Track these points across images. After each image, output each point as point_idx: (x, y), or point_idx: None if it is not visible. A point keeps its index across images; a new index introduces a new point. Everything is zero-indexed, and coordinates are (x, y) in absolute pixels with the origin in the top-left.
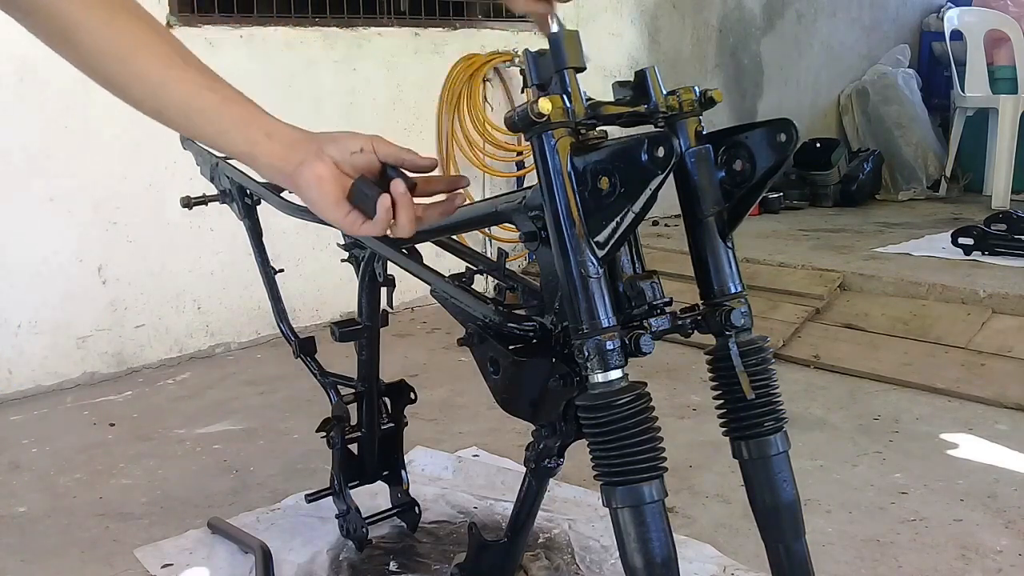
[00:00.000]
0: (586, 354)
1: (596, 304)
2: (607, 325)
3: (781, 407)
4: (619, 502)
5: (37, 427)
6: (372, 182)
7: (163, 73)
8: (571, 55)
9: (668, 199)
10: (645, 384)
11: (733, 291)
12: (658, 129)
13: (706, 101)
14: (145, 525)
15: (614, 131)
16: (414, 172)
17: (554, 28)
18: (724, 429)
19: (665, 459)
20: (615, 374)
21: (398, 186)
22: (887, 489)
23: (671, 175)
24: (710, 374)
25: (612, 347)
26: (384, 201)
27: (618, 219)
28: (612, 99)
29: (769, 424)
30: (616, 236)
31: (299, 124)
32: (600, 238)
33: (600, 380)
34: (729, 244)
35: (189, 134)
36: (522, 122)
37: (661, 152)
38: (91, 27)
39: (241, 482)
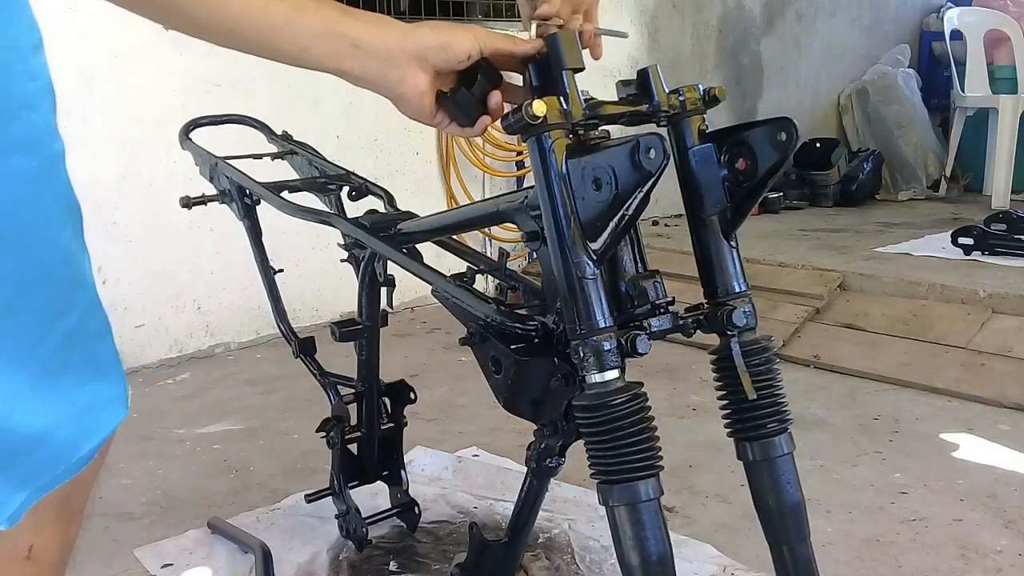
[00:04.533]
0: (582, 354)
1: (592, 305)
2: (603, 326)
3: (786, 408)
4: (615, 500)
5: None
6: (468, 92)
7: None
8: (569, 56)
9: (669, 198)
10: (641, 384)
11: (737, 291)
12: (652, 132)
13: (710, 99)
14: (145, 525)
15: (617, 131)
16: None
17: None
18: (728, 430)
19: (661, 458)
20: (611, 374)
21: (494, 98)
22: (887, 489)
23: (674, 174)
24: (714, 374)
25: (608, 347)
26: (484, 121)
27: (613, 220)
28: (615, 98)
29: (773, 425)
30: (611, 237)
31: (299, 123)
32: (596, 239)
33: (596, 380)
34: (733, 243)
35: (269, 56)
36: (518, 124)
37: (653, 154)
38: None
39: (241, 482)
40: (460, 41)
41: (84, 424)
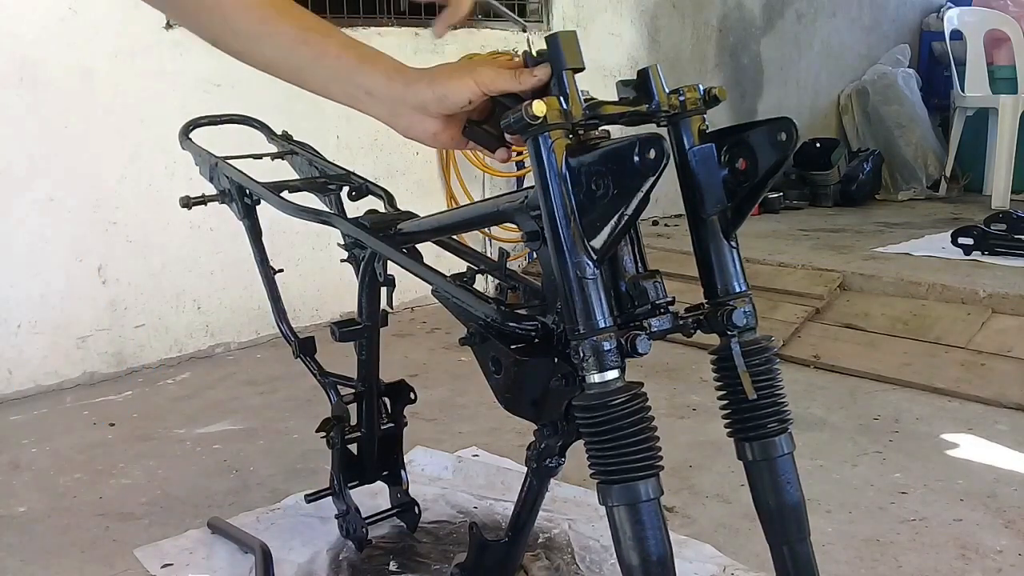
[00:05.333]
0: (582, 355)
1: (592, 305)
2: (603, 326)
3: (786, 407)
4: (615, 500)
5: (37, 427)
6: (482, 123)
7: (258, 28)
8: (569, 56)
9: (669, 198)
10: (641, 384)
11: (737, 291)
12: (652, 131)
13: (710, 99)
14: (145, 525)
15: (617, 131)
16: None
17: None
18: (728, 430)
19: (661, 457)
20: (611, 374)
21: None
22: (887, 489)
23: (674, 174)
24: (714, 374)
25: (608, 348)
26: (501, 152)
27: (612, 220)
28: (615, 98)
29: (774, 425)
30: (611, 237)
31: (299, 123)
32: (595, 239)
33: (596, 380)
34: (733, 243)
35: (299, 87)
36: (517, 124)
37: (652, 154)
38: None
39: (241, 482)
40: (457, 91)
41: None
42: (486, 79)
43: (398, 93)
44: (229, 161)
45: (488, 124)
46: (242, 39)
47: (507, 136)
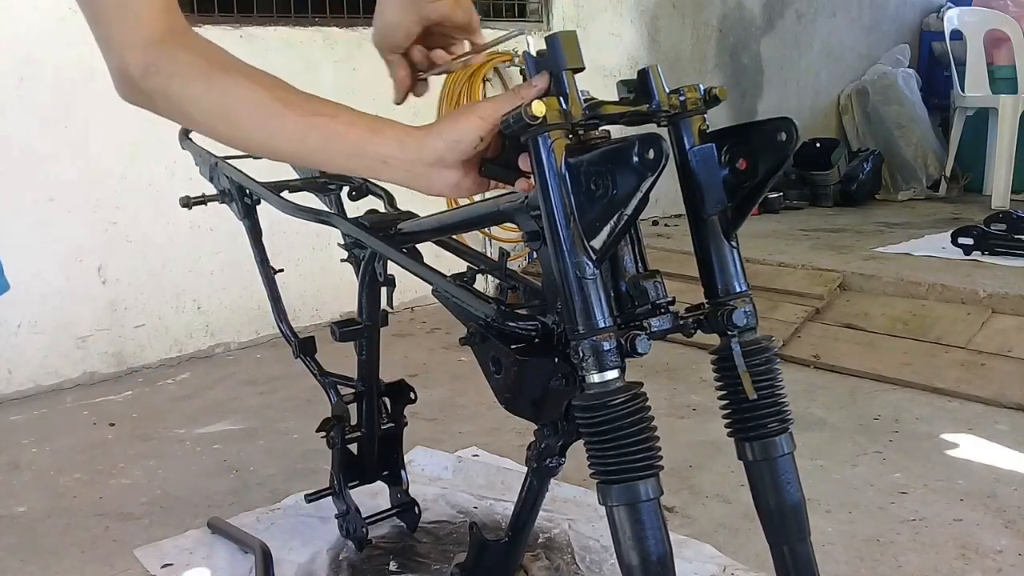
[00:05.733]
0: (582, 354)
1: (592, 305)
2: (603, 326)
3: (786, 408)
4: (614, 500)
5: (37, 427)
6: (493, 164)
7: (266, 125)
8: (569, 56)
9: (669, 198)
10: (641, 384)
11: (738, 290)
12: (652, 131)
13: (711, 99)
14: (145, 525)
15: (617, 131)
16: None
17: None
18: (729, 430)
19: (661, 458)
20: (611, 374)
21: (523, 161)
22: (887, 489)
23: (675, 174)
24: (715, 374)
25: (608, 347)
26: (521, 183)
27: (612, 220)
28: (615, 98)
29: (774, 425)
30: (611, 237)
31: None
32: (595, 239)
33: (596, 380)
34: (733, 243)
35: (321, 168)
36: (517, 124)
37: (652, 154)
38: (197, 99)
39: (241, 482)
40: (467, 134)
41: None
42: (489, 110)
43: (413, 155)
44: (229, 161)
45: (505, 158)
46: (253, 142)
47: (522, 166)
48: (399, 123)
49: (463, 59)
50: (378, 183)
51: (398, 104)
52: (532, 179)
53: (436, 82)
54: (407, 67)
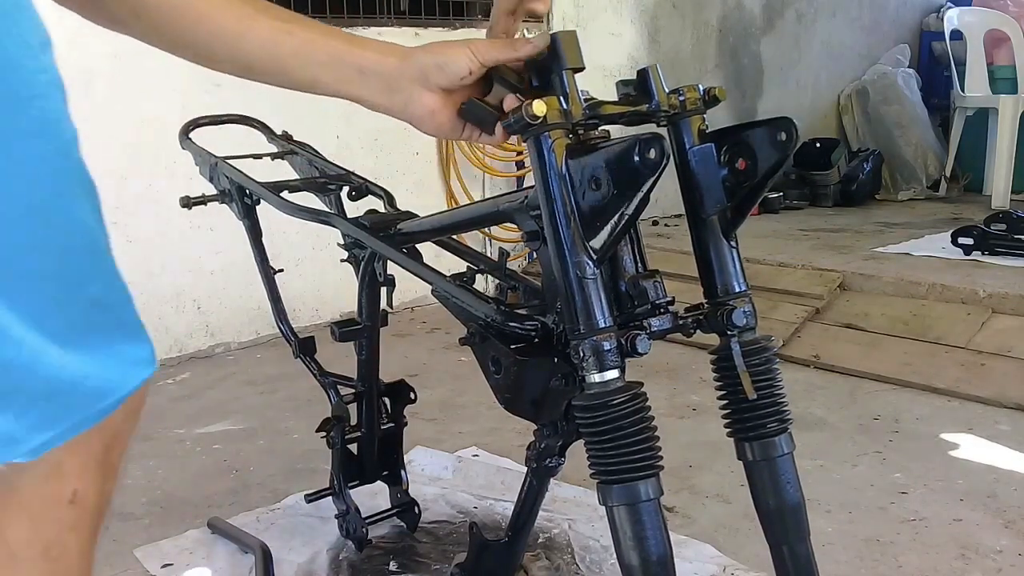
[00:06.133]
0: (582, 354)
1: (592, 305)
2: (603, 326)
3: (786, 408)
4: (615, 500)
5: None
6: (482, 100)
7: (236, 26)
8: (569, 56)
9: (669, 198)
10: (641, 384)
11: (737, 290)
12: (653, 131)
13: (710, 99)
14: (145, 525)
15: (617, 131)
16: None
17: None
18: (728, 430)
19: (661, 458)
20: (611, 374)
21: (511, 101)
22: (887, 489)
23: (675, 174)
24: (714, 374)
25: (608, 347)
26: (500, 134)
27: (612, 220)
28: (615, 98)
29: (773, 425)
30: (611, 237)
31: (299, 123)
32: (595, 239)
33: (596, 380)
34: (733, 243)
35: (283, 85)
36: (518, 124)
37: (652, 154)
38: None
39: (241, 482)
40: (456, 59)
41: (112, 375)
42: (482, 48)
43: (393, 67)
44: (229, 161)
45: (483, 102)
46: (220, 41)
47: (504, 108)
48: (380, 40)
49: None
50: (377, 184)
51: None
52: (510, 120)
53: None
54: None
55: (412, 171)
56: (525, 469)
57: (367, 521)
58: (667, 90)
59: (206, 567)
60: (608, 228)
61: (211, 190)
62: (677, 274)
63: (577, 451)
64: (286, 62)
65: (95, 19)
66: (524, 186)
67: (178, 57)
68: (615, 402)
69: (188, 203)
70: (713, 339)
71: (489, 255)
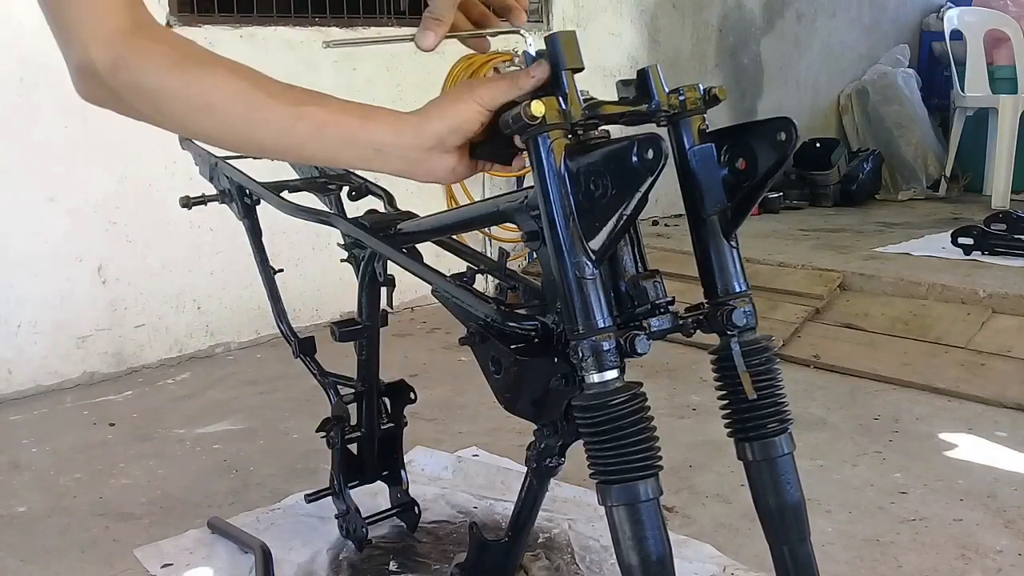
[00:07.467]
0: (581, 355)
1: (592, 305)
2: (603, 326)
3: (786, 408)
4: (614, 500)
5: (37, 427)
6: (493, 144)
7: (249, 116)
8: (568, 56)
9: (669, 198)
10: (641, 384)
11: (737, 290)
12: (651, 131)
13: (710, 99)
14: (145, 525)
15: (617, 131)
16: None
17: (530, 48)
18: (728, 430)
19: (660, 458)
20: (611, 375)
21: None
22: (887, 489)
23: (674, 174)
24: (714, 374)
25: (608, 348)
26: (520, 159)
27: (611, 220)
28: (615, 98)
29: (774, 425)
30: (611, 237)
31: None
32: (594, 239)
33: (596, 381)
34: (733, 243)
35: (305, 163)
36: (516, 124)
37: (651, 154)
38: (172, 92)
39: (241, 482)
40: (469, 119)
41: None
42: (487, 96)
43: (410, 140)
44: (229, 161)
45: (496, 140)
46: (232, 131)
47: (516, 143)
48: (390, 109)
49: (475, 35)
50: (376, 181)
51: (424, 47)
52: (509, 120)
53: (435, 82)
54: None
55: None
56: (525, 469)
57: (367, 521)
58: (667, 90)
59: (206, 567)
60: (607, 228)
61: (211, 190)
62: (677, 274)
63: (577, 451)
64: (303, 146)
65: (133, 116)
66: (524, 186)
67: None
68: (614, 402)
69: (188, 203)
70: (713, 339)
71: (489, 255)
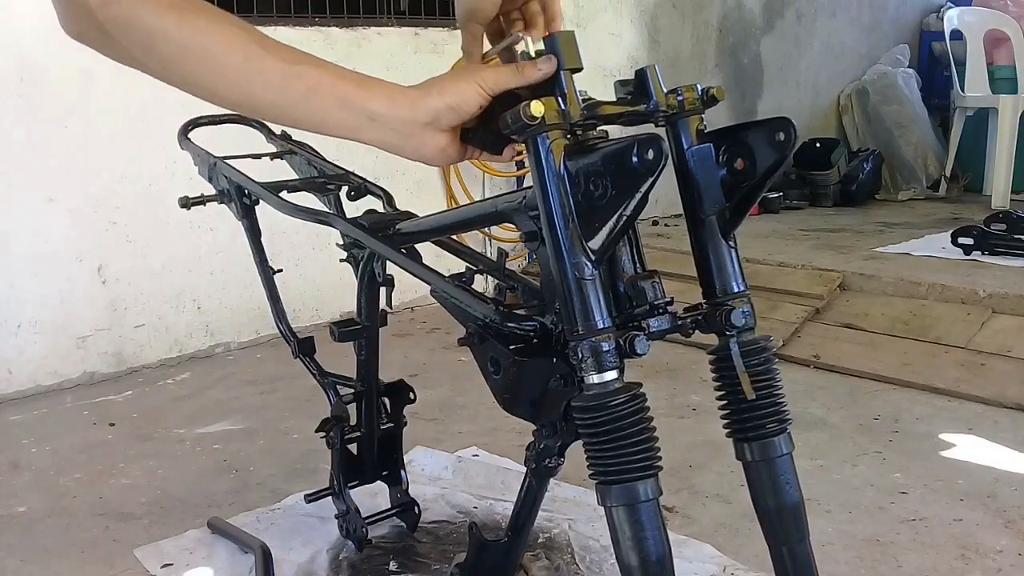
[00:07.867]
0: (581, 355)
1: (591, 305)
2: (602, 326)
3: (785, 408)
4: (614, 501)
5: (37, 427)
6: (488, 130)
7: (242, 67)
8: (568, 56)
9: (668, 198)
10: (640, 384)
11: (736, 291)
12: (651, 131)
13: (709, 99)
14: (145, 525)
15: (616, 131)
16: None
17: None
18: (727, 430)
19: (660, 458)
20: (610, 375)
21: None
22: (887, 489)
23: (674, 174)
24: (713, 375)
25: (607, 348)
26: (511, 149)
27: (611, 221)
28: (613, 98)
29: (773, 425)
30: (609, 238)
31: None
32: (593, 240)
33: (595, 381)
34: (731, 243)
35: (293, 126)
36: (515, 124)
37: (651, 154)
38: (166, 32)
39: (241, 482)
40: (468, 99)
41: None
42: (490, 80)
43: (405, 113)
44: (228, 161)
45: (489, 127)
46: (227, 81)
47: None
48: (388, 81)
49: (505, 45)
50: (376, 184)
51: None
52: (508, 121)
53: None
54: (481, 43)
55: (412, 171)
56: (525, 469)
57: (367, 521)
58: (665, 90)
59: (206, 567)
60: (606, 229)
61: (211, 190)
62: (676, 274)
63: (577, 451)
64: (294, 105)
65: (114, 57)
66: (523, 186)
67: (193, 96)
68: (614, 403)
69: (187, 203)
70: (712, 339)
71: (489, 255)
